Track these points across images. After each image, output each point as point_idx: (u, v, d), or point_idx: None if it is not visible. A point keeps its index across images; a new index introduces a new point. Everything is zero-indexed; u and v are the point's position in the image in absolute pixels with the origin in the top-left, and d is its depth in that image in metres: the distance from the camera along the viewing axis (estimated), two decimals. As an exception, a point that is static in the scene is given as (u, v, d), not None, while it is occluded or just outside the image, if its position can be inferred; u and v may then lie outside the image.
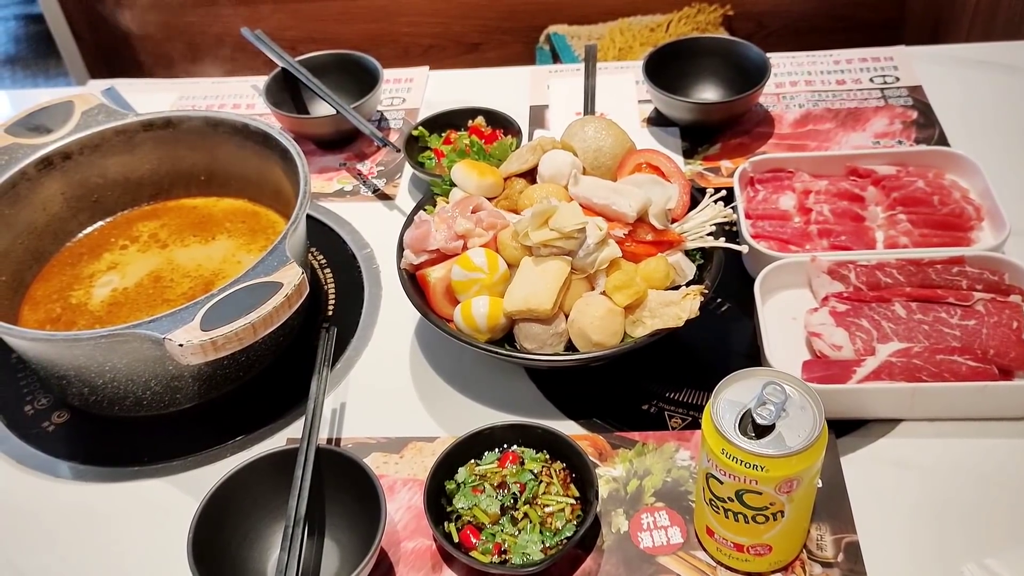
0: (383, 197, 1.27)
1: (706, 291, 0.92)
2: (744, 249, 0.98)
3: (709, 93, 1.35)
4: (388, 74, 1.48)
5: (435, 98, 1.45)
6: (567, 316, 0.93)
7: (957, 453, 0.90)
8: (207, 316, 0.86)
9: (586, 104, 1.36)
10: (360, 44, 2.28)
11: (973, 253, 1.01)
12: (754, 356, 1.00)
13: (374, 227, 1.22)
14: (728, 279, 1.01)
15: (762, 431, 0.74)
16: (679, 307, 0.90)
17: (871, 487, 0.88)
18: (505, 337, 0.95)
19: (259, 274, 0.90)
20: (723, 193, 1.01)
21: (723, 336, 1.04)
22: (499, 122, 1.28)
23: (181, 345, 0.83)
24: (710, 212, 1.00)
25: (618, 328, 0.91)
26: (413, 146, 1.27)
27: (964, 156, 1.13)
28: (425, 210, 1.05)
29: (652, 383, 0.99)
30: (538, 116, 1.39)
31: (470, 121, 1.29)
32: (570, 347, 0.93)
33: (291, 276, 0.89)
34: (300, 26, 2.27)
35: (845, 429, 0.93)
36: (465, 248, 0.96)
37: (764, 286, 1.01)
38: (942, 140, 1.25)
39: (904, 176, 1.14)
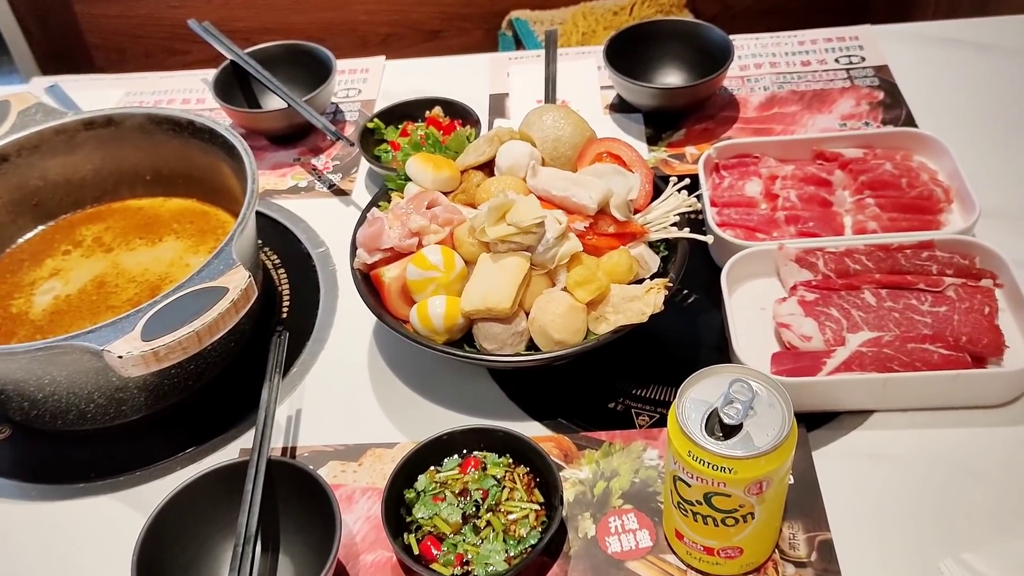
0: (339, 193, 1.23)
1: (670, 284, 0.89)
2: (709, 240, 0.95)
3: (672, 78, 1.32)
4: (343, 64, 1.44)
5: (392, 88, 1.40)
6: (527, 314, 0.89)
7: (932, 443, 0.87)
8: (149, 325, 0.81)
9: (547, 92, 1.32)
10: (316, 33, 2.23)
11: (943, 237, 0.99)
12: (723, 348, 0.97)
13: (330, 224, 1.18)
14: (695, 269, 0.99)
15: (730, 431, 0.71)
16: (643, 302, 0.87)
17: (844, 482, 0.85)
18: (464, 337, 0.92)
19: (204, 279, 0.86)
20: (687, 181, 0.98)
21: (691, 329, 1.01)
22: (457, 112, 1.25)
23: (121, 357, 0.79)
24: (674, 201, 0.97)
25: (580, 325, 0.88)
26: (369, 139, 1.23)
27: (932, 137, 1.11)
28: (379, 207, 1.01)
29: (618, 380, 0.96)
30: (499, 105, 1.35)
31: (427, 112, 1.25)
32: (532, 346, 0.90)
33: (238, 280, 0.85)
34: (254, 16, 2.21)
35: (816, 422, 0.90)
36: (420, 246, 0.92)
37: (731, 276, 0.99)
38: (909, 120, 1.22)
39: (871, 159, 1.11)
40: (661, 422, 0.92)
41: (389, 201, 1.02)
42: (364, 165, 1.26)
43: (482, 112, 1.32)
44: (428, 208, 0.94)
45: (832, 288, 0.97)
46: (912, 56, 1.33)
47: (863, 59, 1.34)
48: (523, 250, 0.89)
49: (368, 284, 0.94)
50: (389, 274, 0.91)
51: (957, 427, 0.88)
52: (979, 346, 0.89)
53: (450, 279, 0.90)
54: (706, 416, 0.72)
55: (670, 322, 0.92)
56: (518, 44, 2.11)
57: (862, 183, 1.08)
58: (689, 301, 1.04)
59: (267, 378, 0.89)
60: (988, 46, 1.33)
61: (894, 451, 0.87)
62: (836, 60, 1.34)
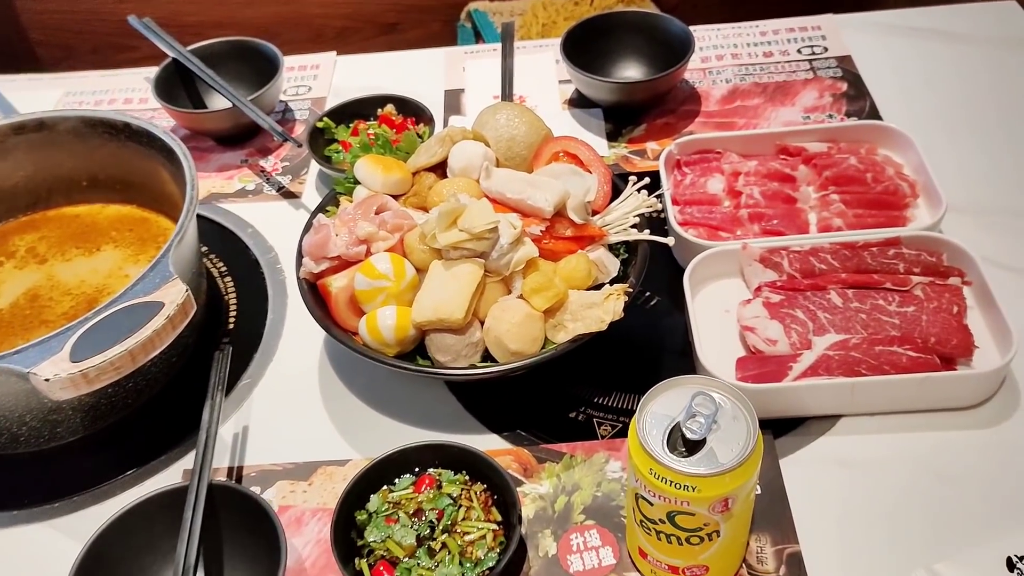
0: (288, 195, 1.18)
1: (630, 290, 0.85)
2: (670, 242, 0.91)
3: (632, 71, 1.28)
4: (292, 61, 1.39)
5: (344, 85, 1.36)
6: (482, 323, 0.85)
7: (901, 448, 0.85)
8: (79, 345, 0.77)
9: (504, 87, 1.28)
10: (269, 27, 2.17)
11: (909, 233, 0.96)
12: (687, 352, 0.94)
13: (279, 229, 1.13)
14: (657, 270, 0.95)
15: (693, 446, 0.68)
16: (602, 309, 0.83)
17: (813, 490, 0.82)
18: (417, 348, 0.88)
19: (139, 293, 0.81)
20: (646, 181, 0.94)
21: (654, 333, 0.98)
22: (411, 110, 1.20)
23: (48, 380, 0.74)
24: (633, 202, 0.93)
25: (537, 334, 0.84)
26: (319, 139, 1.18)
27: (896, 129, 1.08)
28: (327, 212, 0.97)
29: (579, 388, 0.93)
30: (454, 101, 1.31)
31: (380, 110, 1.21)
32: (487, 356, 0.86)
33: (174, 294, 0.80)
34: (204, 11, 2.14)
35: (783, 428, 0.87)
36: (369, 253, 0.88)
37: (694, 277, 0.95)
38: (873, 112, 1.20)
39: (836, 153, 1.08)
40: (624, 432, 0.88)
41: (338, 205, 0.97)
42: (315, 166, 1.21)
43: (437, 109, 1.28)
44: (377, 213, 0.90)
45: (797, 289, 0.94)
46: (875, 46, 1.31)
47: (826, 49, 1.31)
48: (476, 257, 0.85)
49: (315, 294, 0.89)
50: (336, 284, 0.87)
51: (927, 430, 0.86)
52: (948, 347, 0.87)
53: (400, 288, 0.85)
54: (668, 431, 0.69)
55: (632, 326, 0.89)
56: (477, 36, 2.06)
57: (827, 179, 1.05)
58: (652, 304, 1.00)
59: (208, 397, 0.85)
60: (953, 35, 1.30)
61: (863, 457, 0.85)
62: (799, 51, 1.31)
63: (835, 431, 0.87)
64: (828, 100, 1.23)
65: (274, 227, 1.14)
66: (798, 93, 1.24)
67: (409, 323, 0.84)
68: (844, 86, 1.24)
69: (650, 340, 0.97)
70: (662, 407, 0.70)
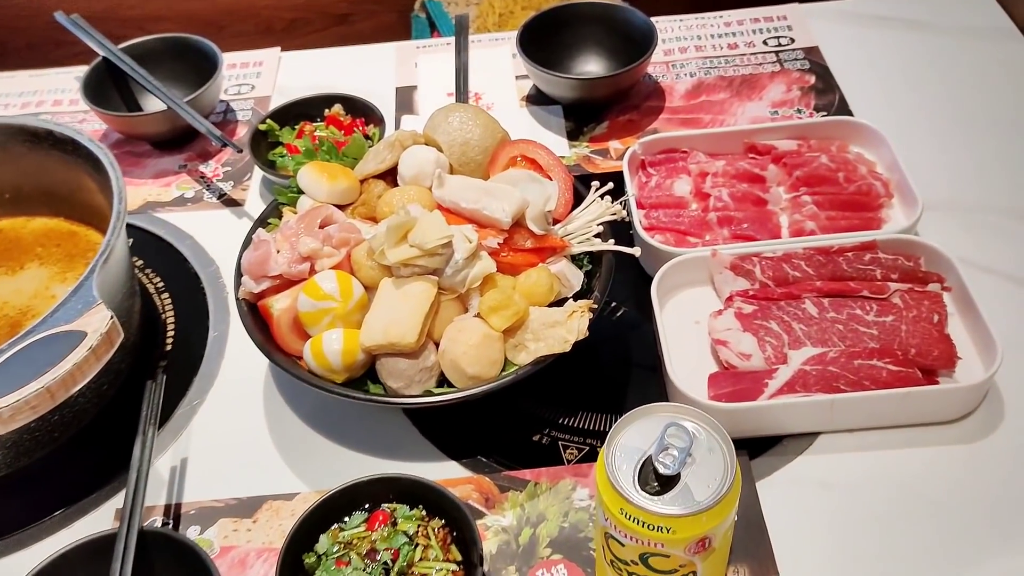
0: (231, 203, 1.11)
1: (595, 306, 0.80)
2: (637, 252, 0.86)
3: (593, 65, 1.22)
4: (233, 58, 1.31)
5: (289, 83, 1.28)
6: (437, 345, 0.79)
7: (882, 466, 0.80)
8: (-10, 381, 0.69)
9: (458, 84, 1.21)
10: (215, 20, 2.08)
11: (885, 237, 0.91)
12: (657, 368, 0.89)
13: (221, 240, 1.06)
14: (623, 278, 0.90)
15: (666, 482, 0.62)
16: (565, 328, 0.78)
17: (791, 514, 0.78)
18: (368, 373, 0.82)
19: (59, 321, 0.74)
20: (609, 186, 0.89)
21: (621, 346, 0.93)
22: (359, 109, 1.13)
23: (-45, 422, 0.67)
24: (596, 209, 0.87)
25: (496, 356, 0.78)
26: (262, 142, 1.11)
27: (868, 126, 1.04)
28: (269, 224, 0.90)
29: (543, 408, 0.87)
30: (406, 99, 1.24)
31: (327, 110, 1.14)
32: (443, 381, 0.80)
33: (98, 322, 0.73)
34: (144, 4, 2.04)
35: (759, 448, 0.82)
36: (313, 271, 0.81)
37: (662, 287, 0.90)
38: (843, 107, 1.15)
39: (806, 151, 1.04)
40: (591, 455, 0.83)
41: (280, 217, 0.91)
42: (259, 171, 1.14)
43: (388, 108, 1.21)
44: (322, 227, 0.83)
45: (771, 298, 0.89)
46: (844, 36, 1.26)
47: (792, 40, 1.26)
48: (429, 274, 0.79)
49: (256, 316, 0.83)
50: (278, 305, 0.81)
51: (909, 447, 0.81)
52: (929, 358, 0.82)
53: (347, 309, 0.79)
54: (639, 466, 0.63)
55: (598, 340, 0.83)
56: (432, 27, 1.99)
57: (797, 179, 1.01)
58: (619, 315, 0.95)
59: (139, 433, 0.78)
60: (924, 24, 1.26)
61: (843, 477, 0.80)
62: (764, 42, 1.26)
63: (813, 450, 0.82)
64: (796, 94, 1.18)
65: (215, 238, 1.06)
66: (765, 87, 1.19)
67: (358, 347, 0.78)
68: (812, 79, 1.20)
69: (617, 355, 0.92)
70: (632, 439, 0.64)
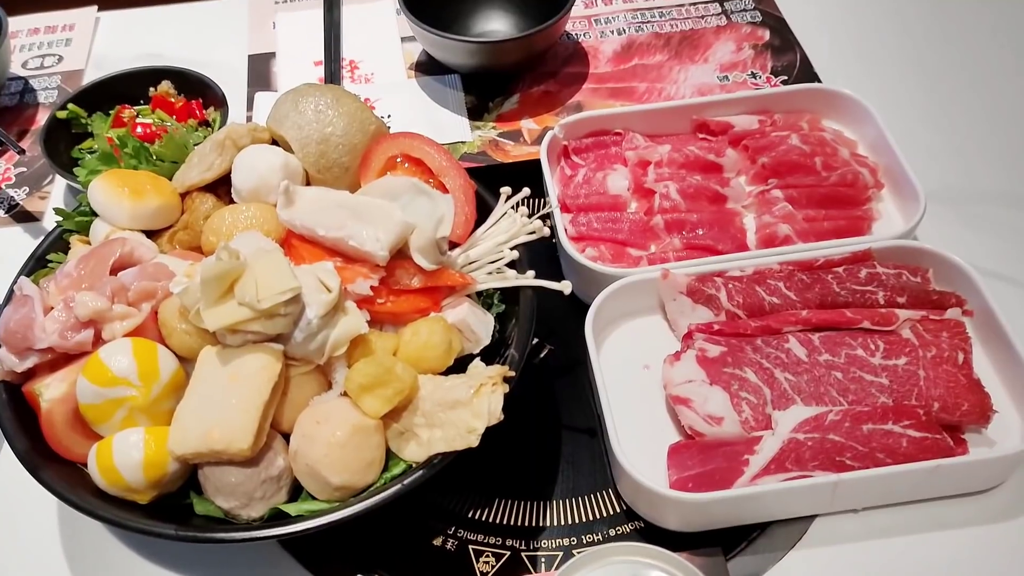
0: (24, 218, 0.84)
1: (512, 374, 0.57)
2: (567, 288, 0.63)
3: (497, 24, 0.98)
4: (35, 20, 1.02)
5: (109, 52, 1.00)
6: (287, 440, 0.55)
7: (896, 556, 0.61)
8: None
9: (328, 49, 0.97)
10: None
11: (883, 244, 0.71)
12: (596, 432, 0.67)
13: (8, 267, 0.79)
14: (549, 306, 0.66)
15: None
16: (471, 410, 0.55)
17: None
18: (191, 480, 0.57)
19: None
20: (525, 192, 0.65)
21: (549, 401, 0.70)
22: (196, 88, 0.87)
23: None
24: (509, 226, 0.64)
25: (373, 455, 0.55)
26: (61, 134, 0.84)
27: (847, 94, 0.83)
28: (49, 264, 0.64)
29: (445, 499, 0.64)
30: (262, 70, 0.97)
31: (152, 89, 0.87)
32: (298, 486, 0.56)
33: None
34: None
35: (737, 539, 0.62)
36: (99, 341, 0.56)
37: (599, 321, 0.68)
38: (807, 69, 0.94)
39: (771, 130, 0.82)
40: (515, 567, 0.60)
41: (68, 251, 0.65)
42: (64, 173, 0.86)
43: (238, 83, 0.95)
44: (115, 272, 0.58)
45: (743, 334, 0.67)
46: (799, -19, 1.04)
47: (740, -13, 1.03)
48: (271, 340, 0.54)
49: (17, 406, 0.57)
50: (49, 393, 0.55)
51: (928, 529, 0.62)
52: (958, 413, 0.63)
53: (151, 397, 0.54)
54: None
55: (515, 395, 0.60)
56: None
57: (764, 166, 0.79)
58: (542, 355, 0.72)
59: None
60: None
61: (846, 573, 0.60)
62: (706, -10, 1.03)
63: (808, 541, 0.62)
64: (748, 54, 0.96)
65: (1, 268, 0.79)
66: (710, 46, 0.97)
67: (167, 456, 0.53)
68: (766, 34, 0.98)
69: (544, 414, 0.69)
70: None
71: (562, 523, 0.63)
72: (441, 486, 0.65)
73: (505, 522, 0.64)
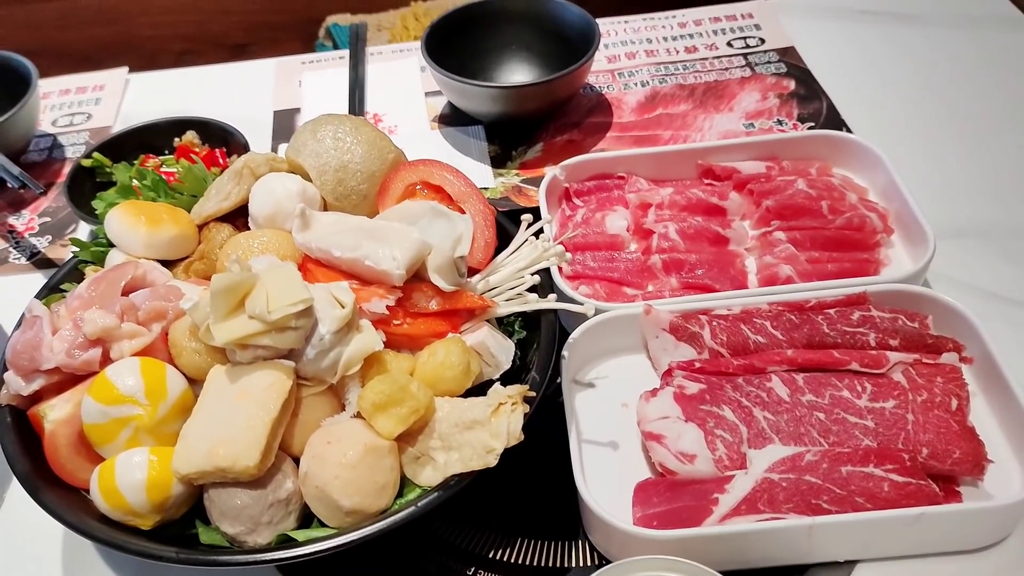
0: (45, 264, 0.84)
1: (532, 394, 0.54)
2: (590, 311, 0.61)
3: (520, 74, 0.98)
4: (66, 82, 1.05)
5: (138, 110, 1.02)
6: (297, 462, 0.53)
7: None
8: None
9: (352, 102, 0.97)
10: (93, 54, 1.81)
11: (879, 288, 0.68)
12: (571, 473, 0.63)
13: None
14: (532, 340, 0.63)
15: None
16: (489, 430, 0.52)
17: None
18: (196, 507, 0.54)
19: None
20: (548, 217, 0.65)
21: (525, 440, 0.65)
22: (218, 136, 0.88)
23: None
24: (530, 252, 0.62)
25: (386, 478, 0.52)
26: (86, 183, 0.84)
27: (856, 141, 0.81)
28: (63, 290, 0.63)
29: (465, 539, 0.61)
30: (286, 124, 0.98)
31: (176, 139, 0.88)
32: (309, 513, 0.53)
33: None
34: (12, 35, 1.77)
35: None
36: (106, 361, 0.54)
37: (575, 356, 0.66)
38: (834, 117, 0.92)
39: (778, 175, 0.80)
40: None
41: (82, 281, 0.64)
42: (87, 224, 0.86)
43: (263, 137, 0.96)
44: (126, 293, 0.57)
45: (725, 373, 0.64)
46: (822, 34, 1.04)
47: (762, 40, 1.03)
48: (282, 357, 0.53)
49: (21, 429, 0.55)
50: (53, 415, 0.53)
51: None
52: (948, 462, 0.58)
53: (158, 418, 0.52)
54: None
55: (537, 426, 0.56)
56: (340, 56, 1.74)
57: (768, 210, 0.77)
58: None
59: None
60: (918, 18, 1.04)
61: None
62: (729, 44, 1.04)
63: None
64: (774, 103, 0.95)
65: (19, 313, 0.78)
66: (735, 96, 0.96)
67: (171, 478, 0.51)
68: (791, 84, 0.97)
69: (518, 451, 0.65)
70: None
71: (588, 563, 0.59)
72: (460, 522, 0.61)
73: (528, 562, 0.60)
